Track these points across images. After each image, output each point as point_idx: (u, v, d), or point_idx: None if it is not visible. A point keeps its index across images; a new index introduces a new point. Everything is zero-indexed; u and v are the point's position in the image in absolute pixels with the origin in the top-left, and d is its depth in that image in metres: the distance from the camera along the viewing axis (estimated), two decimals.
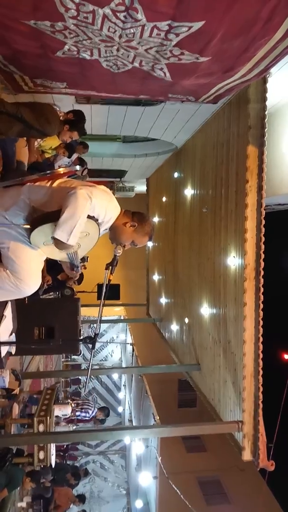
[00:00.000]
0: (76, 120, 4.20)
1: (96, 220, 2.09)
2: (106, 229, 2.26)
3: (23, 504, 5.29)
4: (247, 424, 4.59)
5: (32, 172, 2.30)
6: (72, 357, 12.98)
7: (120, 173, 10.15)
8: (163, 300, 9.32)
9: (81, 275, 6.30)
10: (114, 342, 14.40)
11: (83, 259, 2.22)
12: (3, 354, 2.53)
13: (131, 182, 11.12)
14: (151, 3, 2.33)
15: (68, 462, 10.69)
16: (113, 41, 2.86)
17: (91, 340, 2.24)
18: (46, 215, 2.00)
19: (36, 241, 2.06)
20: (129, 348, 11.46)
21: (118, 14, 2.49)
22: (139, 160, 8.87)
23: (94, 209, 2.02)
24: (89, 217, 2.01)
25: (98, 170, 9.40)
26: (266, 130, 4.33)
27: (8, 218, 2.06)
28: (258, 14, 2.42)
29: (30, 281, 2.19)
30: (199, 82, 3.56)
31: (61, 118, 4.08)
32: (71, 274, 2.43)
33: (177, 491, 5.93)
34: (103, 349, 14.65)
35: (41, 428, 4.46)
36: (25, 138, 3.97)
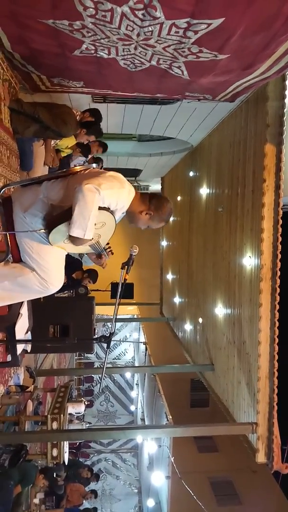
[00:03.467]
0: (93, 122, 4.20)
1: (109, 209, 2.06)
2: (123, 213, 2.22)
3: (36, 501, 5.33)
4: (261, 426, 4.54)
5: None
6: (86, 355, 13.05)
7: (135, 172, 10.14)
8: (177, 300, 9.29)
9: (95, 274, 6.31)
10: (127, 341, 14.42)
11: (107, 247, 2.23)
12: (18, 352, 2.55)
13: (146, 181, 11.10)
14: (170, 0, 2.32)
15: (80, 460, 10.76)
16: (131, 39, 2.86)
17: (106, 339, 2.24)
18: (59, 216, 2.00)
19: (56, 241, 2.07)
20: (142, 347, 11.45)
21: (136, 12, 2.48)
22: (154, 159, 8.84)
23: (104, 200, 1.98)
24: (100, 208, 1.98)
25: (113, 169, 9.41)
26: (284, 128, 4.27)
27: (27, 219, 2.06)
28: (280, 10, 2.37)
29: (56, 280, 2.22)
30: (217, 80, 3.53)
31: (77, 117, 4.10)
32: (99, 262, 2.41)
33: (190, 491, 5.91)
34: (116, 347, 14.68)
35: (55, 425, 4.49)
36: (42, 138, 3.99)
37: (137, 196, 2.18)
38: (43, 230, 2.02)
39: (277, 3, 2.30)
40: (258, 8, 2.33)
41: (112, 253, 2.39)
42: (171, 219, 9.83)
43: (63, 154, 4.43)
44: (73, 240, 1.98)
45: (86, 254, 2.40)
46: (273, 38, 2.67)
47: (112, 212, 2.08)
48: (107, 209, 2.04)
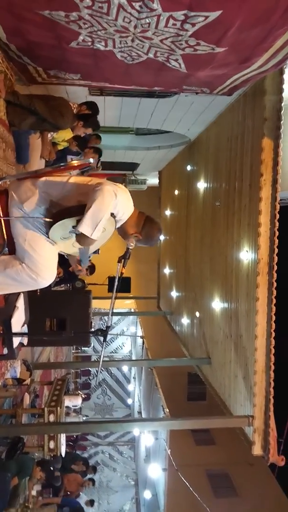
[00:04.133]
0: (90, 115, 4.17)
1: (115, 217, 2.11)
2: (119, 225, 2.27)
3: (33, 493, 5.37)
4: (258, 419, 4.57)
5: None
6: (83, 348, 13.09)
7: (133, 166, 10.11)
8: (174, 294, 9.31)
9: (93, 266, 6.31)
10: (124, 335, 14.47)
11: (95, 252, 2.24)
12: (15, 345, 2.56)
13: (144, 175, 11.06)
14: None
15: (77, 452, 10.83)
16: (128, 31, 2.83)
17: (103, 332, 2.25)
18: (68, 209, 2.00)
19: (55, 235, 2.07)
20: (139, 340, 11.50)
21: (133, 4, 2.46)
22: (151, 153, 8.81)
23: (116, 207, 2.04)
24: (110, 214, 2.04)
25: (110, 162, 9.37)
26: (282, 122, 4.25)
27: (27, 210, 2.06)
28: (277, 3, 2.36)
29: (47, 273, 2.21)
30: (214, 73, 3.51)
31: (74, 110, 4.07)
32: (76, 268, 2.45)
33: (186, 483, 5.96)
34: (113, 341, 14.74)
35: (52, 418, 4.52)
36: (38, 131, 3.96)
37: (135, 214, 2.23)
38: (48, 220, 2.02)
39: None
40: (255, 1, 2.31)
41: (91, 264, 2.43)
42: (169, 212, 9.84)
43: (59, 147, 4.41)
44: (80, 237, 2.01)
45: (67, 256, 2.41)
46: (271, 32, 2.65)
47: (116, 221, 2.13)
48: (113, 216, 2.09)
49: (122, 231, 2.26)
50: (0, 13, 2.90)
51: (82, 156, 5.08)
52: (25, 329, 2.67)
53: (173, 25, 2.64)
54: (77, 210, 1.95)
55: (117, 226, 2.20)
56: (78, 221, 1.95)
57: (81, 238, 2.01)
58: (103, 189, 1.93)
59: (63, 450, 5.12)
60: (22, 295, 2.62)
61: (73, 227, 1.97)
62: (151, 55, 3.21)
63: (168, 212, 9.96)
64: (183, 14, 2.50)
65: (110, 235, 2.21)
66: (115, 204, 2.00)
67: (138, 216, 2.24)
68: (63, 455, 5.31)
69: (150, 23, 2.67)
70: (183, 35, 2.76)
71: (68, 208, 2.00)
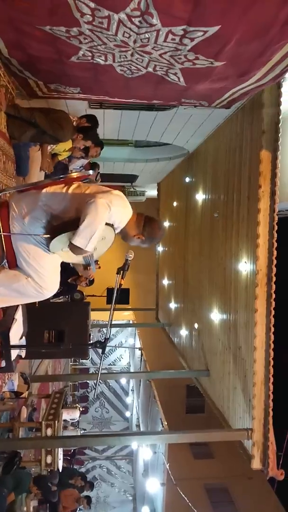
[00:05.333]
0: (90, 127, 4.21)
1: (112, 226, 2.13)
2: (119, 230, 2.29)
3: (30, 509, 5.27)
4: (257, 432, 4.53)
5: None
6: (81, 361, 12.99)
7: (132, 178, 10.16)
8: (173, 305, 9.28)
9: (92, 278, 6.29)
10: (123, 347, 14.36)
11: (96, 261, 2.29)
12: (13, 358, 2.54)
13: (142, 187, 11.12)
14: (167, 8, 2.34)
15: (74, 467, 10.65)
16: (127, 46, 2.87)
17: (101, 344, 2.23)
18: (65, 224, 2.03)
19: (56, 249, 2.10)
20: (138, 352, 11.41)
21: (133, 19, 2.50)
22: (150, 165, 8.87)
23: (111, 217, 2.06)
24: (106, 224, 2.05)
25: (110, 174, 9.43)
26: (280, 134, 4.30)
27: (27, 225, 2.07)
28: (275, 18, 2.40)
29: (52, 285, 2.25)
30: (213, 87, 3.56)
31: (74, 123, 4.11)
32: (85, 273, 2.46)
33: (185, 498, 5.87)
34: (111, 353, 14.62)
35: (49, 432, 4.45)
36: (38, 143, 3.99)
37: (134, 217, 2.24)
38: (46, 236, 2.04)
39: (272, 11, 2.33)
40: (254, 16, 2.35)
41: (99, 267, 2.43)
42: (168, 224, 9.86)
43: (60, 158, 4.42)
44: (73, 248, 2.02)
45: (72, 264, 2.43)
46: (269, 46, 2.69)
47: (114, 229, 2.15)
48: (111, 225, 2.11)
49: (123, 234, 2.27)
50: (2, 28, 2.95)
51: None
52: (23, 341, 2.66)
53: (172, 39, 2.67)
54: (73, 224, 1.97)
55: (116, 232, 2.21)
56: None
57: (75, 249, 2.02)
58: (96, 202, 1.95)
59: (60, 464, 5.03)
60: (20, 307, 2.61)
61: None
62: (150, 69, 3.25)
63: (167, 224, 9.99)
64: (182, 29, 2.53)
65: (112, 241, 2.22)
66: (109, 215, 2.01)
67: (137, 218, 2.26)
68: (60, 469, 5.22)
69: (150, 38, 2.70)
70: (182, 49, 2.80)
71: (65, 223, 2.02)
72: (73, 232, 1.97)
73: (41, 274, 2.15)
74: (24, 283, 2.14)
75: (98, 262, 2.46)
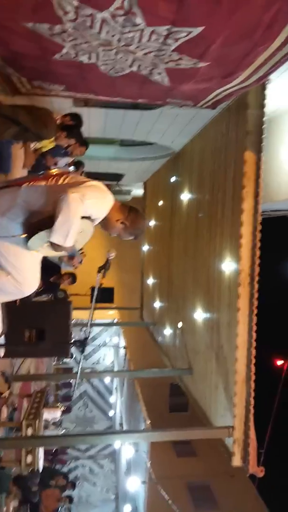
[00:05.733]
0: (73, 126, 4.18)
1: (89, 218, 2.12)
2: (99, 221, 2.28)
3: (10, 509, 5.22)
4: (238, 429, 4.57)
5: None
6: (64, 360, 12.92)
7: (117, 177, 10.14)
8: (157, 304, 9.30)
9: (74, 276, 6.25)
10: (107, 346, 14.34)
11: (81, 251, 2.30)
12: None
13: (128, 186, 11.11)
14: (151, 7, 2.33)
15: (56, 467, 10.59)
16: (111, 45, 2.86)
17: (81, 344, 2.23)
18: (40, 222, 2.02)
19: (34, 246, 2.09)
20: (122, 351, 11.42)
21: (117, 18, 2.48)
22: (136, 164, 8.86)
23: (86, 211, 2.04)
24: (82, 217, 2.03)
25: (95, 173, 9.38)
26: (264, 136, 4.34)
27: (4, 222, 2.05)
28: (259, 20, 2.41)
29: (31, 282, 2.24)
30: (197, 87, 3.56)
31: (57, 121, 4.07)
32: (70, 263, 2.45)
33: (166, 496, 5.89)
34: (95, 352, 14.58)
35: (30, 431, 4.42)
36: (21, 141, 3.94)
37: (117, 205, 2.25)
38: (23, 236, 2.03)
39: (257, 14, 2.34)
40: (238, 18, 2.36)
41: (84, 255, 2.43)
42: (153, 223, 9.87)
43: (44, 149, 4.33)
44: (53, 246, 2.01)
45: (58, 259, 2.42)
46: (253, 48, 2.71)
47: (92, 221, 2.13)
48: (88, 218, 2.09)
49: (104, 222, 2.25)
50: None
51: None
52: (1, 340, 2.62)
53: (156, 39, 2.67)
54: (49, 222, 1.96)
55: (94, 224, 2.20)
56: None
57: (55, 247, 2.02)
58: (68, 197, 1.93)
59: (40, 464, 5.00)
60: None
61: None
62: (134, 69, 3.24)
63: (152, 223, 10.00)
64: (166, 29, 2.53)
65: (90, 233, 2.21)
66: (84, 209, 1.99)
67: (120, 206, 2.27)
68: (41, 470, 5.19)
69: (134, 37, 2.69)
70: (166, 49, 2.79)
71: (41, 221, 2.01)
72: (50, 230, 1.95)
73: (20, 271, 2.13)
74: (4, 280, 2.13)
75: (83, 251, 2.46)
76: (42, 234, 2.00)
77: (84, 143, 4.63)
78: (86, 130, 6.00)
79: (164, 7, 2.30)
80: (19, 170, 4.01)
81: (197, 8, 2.28)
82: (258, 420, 4.65)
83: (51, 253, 2.22)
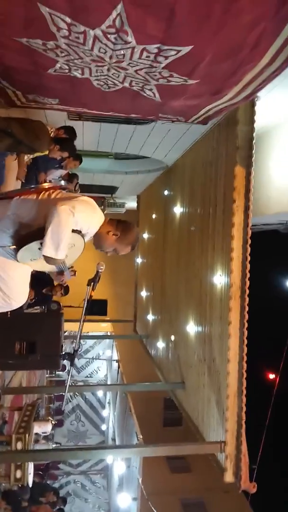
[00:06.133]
0: (67, 139, 4.23)
1: (80, 232, 2.12)
2: (91, 237, 2.29)
3: None
4: (230, 444, 4.53)
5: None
6: (57, 372, 12.79)
7: (111, 189, 10.22)
8: (150, 317, 9.29)
9: (67, 287, 6.24)
10: (100, 359, 14.24)
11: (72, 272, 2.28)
12: None
13: (122, 198, 11.19)
14: (141, 26, 2.39)
15: (48, 482, 10.41)
16: (103, 61, 2.92)
17: (70, 356, 2.22)
18: (30, 234, 2.03)
19: (24, 259, 2.09)
20: (115, 365, 11.33)
21: (108, 35, 2.55)
22: (130, 177, 8.95)
23: (77, 223, 2.05)
24: (73, 231, 2.04)
25: (89, 185, 9.45)
26: (254, 151, 4.42)
27: None
28: (244, 40, 2.49)
29: (19, 295, 2.23)
30: (188, 104, 3.64)
31: (51, 134, 4.12)
32: (59, 279, 2.45)
33: None
34: (88, 365, 14.46)
35: (19, 445, 4.35)
36: (15, 153, 3.98)
37: (106, 220, 2.27)
38: (13, 247, 2.03)
39: (242, 34, 2.42)
40: (224, 37, 2.43)
41: (74, 274, 2.43)
42: (147, 236, 9.92)
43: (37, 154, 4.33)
44: (46, 259, 2.02)
45: (47, 272, 2.42)
46: (240, 66, 2.79)
47: (82, 236, 2.14)
48: (78, 232, 2.10)
49: (97, 238, 2.26)
50: None
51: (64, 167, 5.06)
52: None
53: (147, 57, 2.74)
54: (39, 234, 1.97)
55: (86, 239, 2.21)
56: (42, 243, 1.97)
57: (48, 260, 2.02)
58: (58, 210, 1.94)
59: (30, 479, 4.91)
60: None
61: (39, 249, 1.99)
62: (126, 84, 3.31)
63: (146, 235, 10.04)
64: (156, 48, 2.60)
65: (82, 248, 2.21)
66: (74, 221, 2.01)
67: (109, 220, 2.29)
68: (30, 485, 5.10)
69: (125, 54, 2.76)
70: (156, 66, 2.86)
71: (31, 233, 2.02)
72: (40, 242, 1.96)
73: (8, 283, 2.13)
74: None
75: (73, 268, 2.46)
76: (31, 246, 2.01)
77: (78, 157, 4.68)
78: (80, 143, 6.08)
79: (152, 26, 2.36)
80: (12, 182, 4.04)
81: (185, 26, 2.35)
82: (250, 435, 4.61)
83: (41, 267, 2.23)
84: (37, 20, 2.52)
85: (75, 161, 5.23)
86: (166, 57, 2.71)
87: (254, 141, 4.42)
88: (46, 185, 2.23)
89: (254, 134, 4.41)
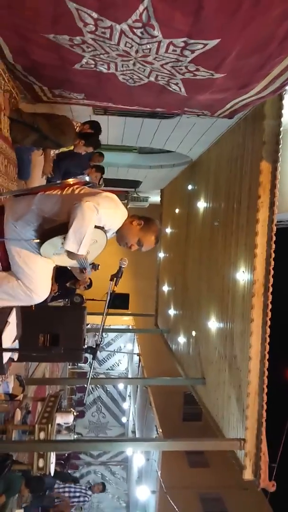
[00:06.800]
0: (92, 134, 4.25)
1: (103, 228, 2.13)
2: (113, 233, 2.30)
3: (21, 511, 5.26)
4: (250, 442, 4.51)
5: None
6: (79, 364, 12.98)
7: (135, 184, 10.22)
8: (172, 312, 9.29)
9: (90, 281, 6.29)
10: (121, 352, 14.35)
11: (94, 266, 2.28)
12: (5, 360, 2.56)
13: (146, 193, 11.18)
14: (168, 20, 2.37)
15: (69, 471, 10.62)
16: (129, 55, 2.92)
17: (92, 350, 2.25)
18: (54, 228, 2.05)
19: (47, 253, 2.12)
20: (136, 358, 11.40)
21: (135, 30, 2.54)
22: (154, 171, 8.92)
23: (100, 220, 2.06)
24: (96, 226, 2.05)
25: (113, 179, 9.48)
26: (280, 146, 4.32)
27: (18, 228, 2.10)
28: (273, 33, 2.44)
29: (41, 290, 2.24)
30: (214, 98, 3.59)
31: (77, 129, 4.15)
32: (81, 277, 2.47)
33: (175, 507, 5.84)
34: (110, 358, 14.61)
35: (42, 435, 4.45)
36: (41, 148, 4.03)
37: (129, 215, 2.28)
38: (36, 240, 2.06)
39: (271, 27, 2.36)
40: (253, 31, 2.39)
41: (97, 268, 2.43)
42: (169, 230, 9.89)
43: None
44: (68, 253, 2.04)
45: (69, 267, 2.44)
46: (268, 60, 2.73)
47: (105, 232, 2.15)
48: (101, 228, 2.11)
49: (121, 231, 2.26)
50: (7, 34, 3.00)
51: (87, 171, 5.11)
52: (16, 344, 2.68)
53: (173, 51, 2.71)
54: (62, 228, 1.99)
55: (109, 236, 2.22)
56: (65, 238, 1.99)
57: (70, 254, 2.04)
58: (82, 205, 1.95)
59: (52, 469, 5.02)
60: (14, 310, 2.64)
61: (62, 243, 2.01)
62: (152, 79, 3.29)
63: (168, 230, 10.02)
64: (182, 41, 2.57)
65: (104, 244, 2.22)
66: (98, 218, 2.02)
67: (132, 215, 2.29)
68: (52, 474, 5.21)
69: (151, 49, 2.75)
70: (182, 60, 2.83)
71: (54, 227, 2.04)
72: (63, 236, 1.98)
73: (30, 277, 2.16)
74: (15, 285, 2.16)
75: (96, 263, 2.46)
76: (54, 240, 2.03)
77: (101, 155, 4.69)
78: (105, 138, 6.09)
79: (180, 20, 2.34)
80: (38, 177, 4.10)
81: (212, 21, 2.32)
82: (270, 433, 4.57)
83: (62, 262, 2.25)
84: (64, 16, 2.53)
85: (97, 173, 5.27)
86: (193, 51, 2.68)
87: (281, 136, 4.32)
88: (70, 180, 2.24)
89: (281, 129, 4.31)
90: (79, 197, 2.03)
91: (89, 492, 7.72)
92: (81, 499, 7.55)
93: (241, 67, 2.85)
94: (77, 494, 7.54)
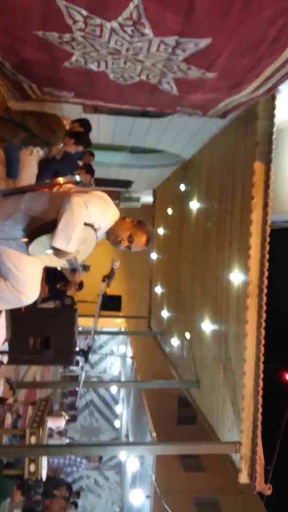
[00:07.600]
0: (82, 133, 4.19)
1: (92, 227, 2.08)
2: (104, 234, 2.24)
3: None
4: (245, 445, 4.46)
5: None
6: (70, 368, 12.86)
7: (127, 183, 10.15)
8: (165, 314, 9.23)
9: (81, 282, 6.22)
10: (113, 355, 14.26)
11: (85, 268, 2.22)
12: None
13: (138, 193, 11.11)
14: (158, 19, 2.33)
15: (61, 477, 10.49)
16: (120, 54, 2.87)
17: (84, 353, 2.19)
18: (42, 226, 2.00)
19: (35, 252, 2.06)
20: (129, 361, 11.32)
21: (125, 28, 2.49)
22: (146, 171, 8.86)
23: (90, 217, 2.01)
24: (85, 224, 2.00)
25: (104, 179, 9.41)
26: (273, 146, 4.30)
27: (6, 228, 2.04)
28: (265, 34, 2.41)
29: (29, 292, 2.21)
30: (206, 97, 3.56)
31: (66, 127, 4.09)
32: (72, 278, 2.41)
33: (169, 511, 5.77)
34: (102, 361, 14.50)
35: (33, 440, 4.37)
36: (29, 147, 3.97)
37: (120, 216, 2.23)
38: (24, 240, 2.01)
39: (263, 27, 2.34)
40: (244, 31, 2.35)
41: (88, 269, 2.38)
42: (162, 231, 9.84)
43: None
44: (56, 251, 1.98)
45: (60, 268, 2.38)
46: (260, 60, 2.70)
47: (95, 230, 2.09)
48: (91, 226, 2.06)
49: (112, 230, 2.20)
50: None
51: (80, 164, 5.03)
52: (5, 347, 2.61)
53: (165, 49, 2.67)
54: (50, 226, 1.93)
55: (99, 235, 2.16)
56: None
57: (57, 252, 1.98)
58: (71, 202, 1.91)
59: (44, 473, 4.93)
60: (3, 313, 2.57)
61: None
62: (143, 77, 3.24)
63: (161, 231, 9.97)
64: (174, 40, 2.53)
65: (94, 243, 2.16)
66: (87, 214, 1.97)
67: (121, 216, 2.24)
68: (44, 478, 5.12)
69: (142, 47, 2.70)
70: (174, 59, 2.79)
71: (42, 225, 1.99)
72: (52, 234, 1.93)
73: (19, 279, 2.11)
74: (2, 286, 2.11)
75: (86, 264, 2.40)
76: (43, 239, 1.98)
77: (91, 154, 4.64)
78: (96, 136, 6.03)
79: (171, 19, 2.30)
80: (27, 176, 4.03)
81: (204, 21, 2.28)
82: (266, 436, 4.53)
83: (51, 263, 2.19)
84: (53, 13, 2.48)
85: (90, 157, 5.21)
86: (184, 50, 2.64)
87: (274, 136, 4.30)
88: (60, 179, 2.19)
89: (274, 129, 4.29)
90: (68, 195, 1.98)
91: (84, 461, 7.52)
92: (74, 468, 7.37)
93: (233, 67, 2.81)
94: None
